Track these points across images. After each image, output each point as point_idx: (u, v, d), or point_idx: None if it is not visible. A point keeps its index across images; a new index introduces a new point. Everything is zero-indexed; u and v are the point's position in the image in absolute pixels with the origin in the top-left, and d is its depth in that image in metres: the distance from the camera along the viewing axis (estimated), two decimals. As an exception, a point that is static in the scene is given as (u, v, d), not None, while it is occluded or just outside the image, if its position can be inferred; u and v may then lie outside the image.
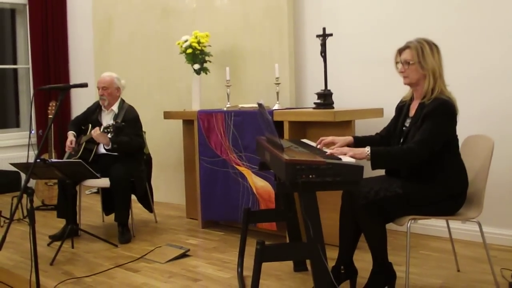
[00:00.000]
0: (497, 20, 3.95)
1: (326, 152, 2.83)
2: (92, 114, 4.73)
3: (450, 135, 2.94)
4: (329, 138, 3.09)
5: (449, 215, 2.97)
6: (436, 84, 2.92)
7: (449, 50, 4.05)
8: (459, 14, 4.09)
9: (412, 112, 3.07)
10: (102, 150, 4.58)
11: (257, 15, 5.06)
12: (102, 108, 4.70)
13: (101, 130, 4.29)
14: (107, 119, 4.65)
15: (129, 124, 4.49)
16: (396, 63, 3.06)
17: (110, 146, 4.39)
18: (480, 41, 4.02)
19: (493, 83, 4.00)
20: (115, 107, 4.66)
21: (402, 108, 3.18)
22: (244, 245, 3.52)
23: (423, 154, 2.84)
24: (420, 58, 2.92)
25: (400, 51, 3.04)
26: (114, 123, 4.30)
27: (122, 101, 4.71)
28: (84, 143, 4.58)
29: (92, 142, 4.55)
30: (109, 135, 4.34)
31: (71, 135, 4.62)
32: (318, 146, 3.06)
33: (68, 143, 4.58)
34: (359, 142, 3.15)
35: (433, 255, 3.87)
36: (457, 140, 3.00)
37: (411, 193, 2.89)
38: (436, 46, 2.98)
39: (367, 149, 2.81)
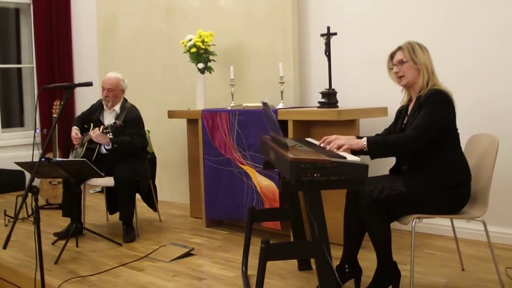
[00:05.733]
0: (493, 19, 3.98)
1: (328, 149, 2.86)
2: (94, 113, 4.73)
3: (448, 124, 2.96)
4: (332, 137, 3.09)
5: (454, 210, 2.97)
6: (429, 80, 3.01)
7: (453, 48, 4.08)
8: (463, 13, 4.10)
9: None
10: (104, 150, 4.59)
11: (261, 14, 5.06)
12: (104, 107, 4.70)
13: (101, 130, 4.29)
14: (109, 118, 4.65)
15: (131, 123, 4.49)
16: (389, 69, 3.15)
17: (110, 146, 4.40)
18: (477, 39, 4.04)
19: (487, 81, 4.02)
20: (117, 107, 4.65)
21: (401, 111, 3.23)
22: (249, 244, 3.52)
23: (419, 140, 2.87)
24: (412, 55, 3.03)
25: (392, 55, 3.13)
26: (113, 123, 4.30)
27: (125, 101, 4.71)
28: (86, 143, 4.59)
29: (95, 142, 4.55)
30: (109, 135, 4.33)
31: (74, 129, 4.63)
32: (322, 145, 3.06)
33: (73, 134, 4.58)
34: None
35: (438, 254, 3.86)
36: (457, 133, 3.03)
37: (414, 189, 2.89)
38: (424, 46, 3.08)
39: (363, 140, 2.87)
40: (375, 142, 2.89)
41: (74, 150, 4.69)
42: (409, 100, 3.17)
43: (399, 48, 3.09)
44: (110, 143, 4.37)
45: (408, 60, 3.02)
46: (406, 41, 3.10)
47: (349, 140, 2.89)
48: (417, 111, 2.95)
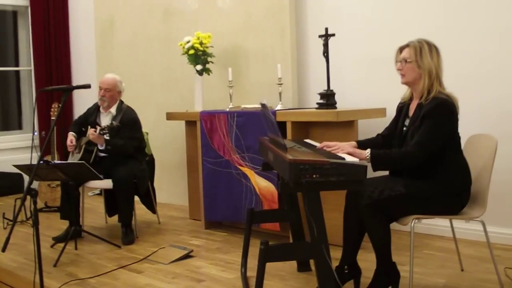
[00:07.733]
0: (493, 19, 3.98)
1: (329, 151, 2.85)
2: (91, 116, 4.72)
3: (450, 133, 2.94)
4: (332, 143, 3.08)
5: (453, 212, 2.97)
6: (432, 86, 2.94)
7: (452, 49, 4.07)
8: (463, 13, 4.10)
9: (411, 112, 3.08)
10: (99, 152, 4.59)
11: (259, 15, 5.06)
12: (101, 109, 4.69)
13: (98, 131, 4.29)
14: (105, 120, 4.63)
15: (126, 126, 4.47)
16: (396, 62, 3.10)
17: (104, 147, 4.40)
18: (477, 40, 4.04)
19: (488, 81, 4.02)
20: (113, 109, 4.64)
21: (402, 108, 3.20)
22: (248, 245, 3.52)
23: (421, 157, 2.87)
24: (417, 57, 2.95)
25: (401, 49, 3.07)
26: (109, 124, 4.30)
27: (121, 102, 4.70)
28: (84, 145, 4.58)
29: (93, 144, 4.55)
30: (105, 136, 4.33)
31: (70, 135, 4.63)
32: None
33: (68, 142, 4.58)
34: (362, 146, 3.14)
35: (437, 254, 3.87)
36: (459, 137, 3.01)
37: (415, 191, 2.89)
38: (436, 47, 2.99)
39: (367, 152, 2.86)
40: (377, 156, 2.86)
41: (72, 153, 4.68)
42: (410, 99, 3.14)
43: (408, 45, 3.02)
44: (104, 144, 4.37)
45: (412, 61, 2.96)
46: (417, 38, 3.01)
47: (354, 150, 2.91)
48: (419, 120, 2.92)
